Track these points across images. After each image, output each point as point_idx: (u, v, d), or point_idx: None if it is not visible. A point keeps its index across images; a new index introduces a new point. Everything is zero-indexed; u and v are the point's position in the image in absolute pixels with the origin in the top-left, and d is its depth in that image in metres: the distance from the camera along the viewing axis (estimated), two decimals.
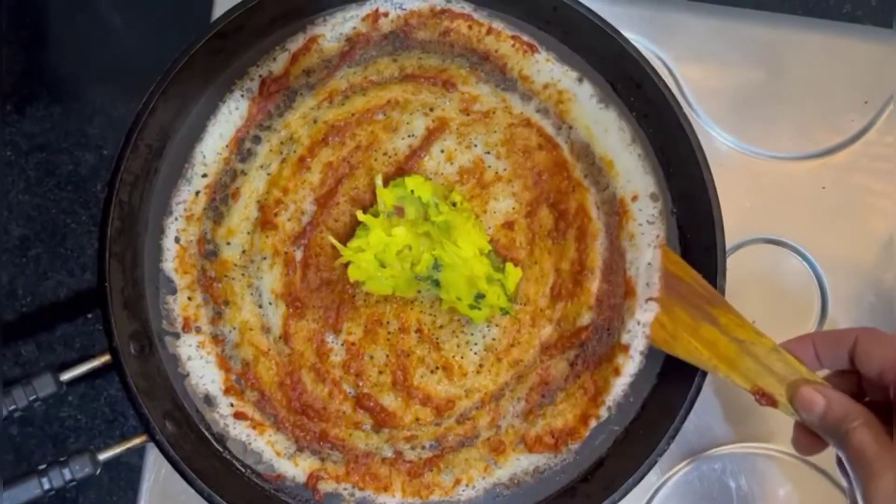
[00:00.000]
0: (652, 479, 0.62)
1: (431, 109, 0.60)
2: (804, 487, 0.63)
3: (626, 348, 0.57)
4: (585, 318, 0.59)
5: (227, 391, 0.58)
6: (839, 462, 0.48)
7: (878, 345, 0.47)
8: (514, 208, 0.60)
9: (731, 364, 0.52)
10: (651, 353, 0.57)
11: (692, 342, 0.53)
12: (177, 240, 0.58)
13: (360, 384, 0.58)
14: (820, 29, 0.69)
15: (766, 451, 0.63)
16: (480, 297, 0.56)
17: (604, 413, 0.58)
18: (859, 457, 0.45)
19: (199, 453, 0.56)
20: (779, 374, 0.50)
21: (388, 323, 0.59)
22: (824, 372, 0.51)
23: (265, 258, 0.58)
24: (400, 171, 0.59)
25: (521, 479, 0.58)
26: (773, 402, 0.50)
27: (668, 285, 0.55)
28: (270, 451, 0.57)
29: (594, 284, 0.59)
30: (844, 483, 0.47)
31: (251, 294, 0.58)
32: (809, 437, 0.50)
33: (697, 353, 0.53)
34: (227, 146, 0.59)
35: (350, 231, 0.58)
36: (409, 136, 0.60)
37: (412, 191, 0.57)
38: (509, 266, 0.59)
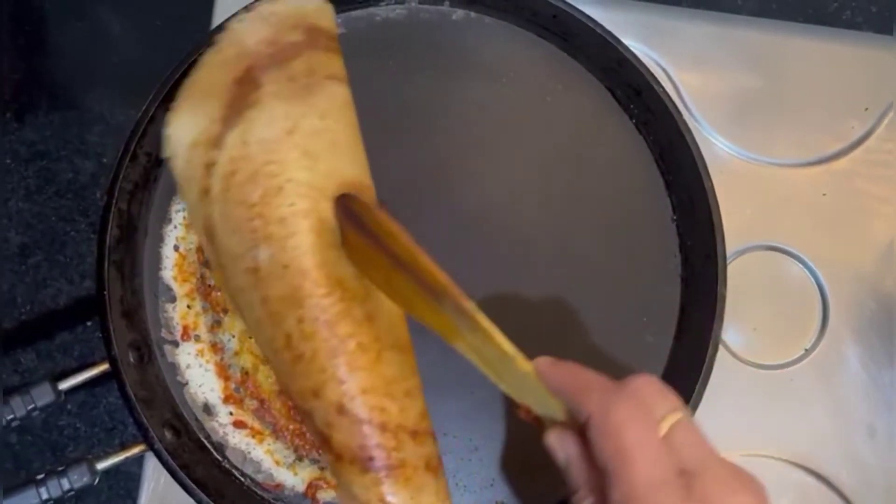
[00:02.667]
0: None
1: None
2: (806, 495, 0.62)
3: None
4: None
5: (226, 400, 0.57)
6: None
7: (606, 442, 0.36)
8: None
9: (496, 372, 0.40)
10: (648, 360, 0.57)
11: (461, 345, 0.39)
12: (176, 248, 0.58)
13: None
14: (820, 35, 0.69)
15: (766, 458, 0.63)
16: None
17: None
18: None
19: (199, 462, 0.55)
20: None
21: None
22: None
23: None
24: None
25: None
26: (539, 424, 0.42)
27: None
28: (270, 460, 0.57)
29: None
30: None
31: None
32: None
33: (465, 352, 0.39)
34: None
35: None
36: None
37: None
38: None
